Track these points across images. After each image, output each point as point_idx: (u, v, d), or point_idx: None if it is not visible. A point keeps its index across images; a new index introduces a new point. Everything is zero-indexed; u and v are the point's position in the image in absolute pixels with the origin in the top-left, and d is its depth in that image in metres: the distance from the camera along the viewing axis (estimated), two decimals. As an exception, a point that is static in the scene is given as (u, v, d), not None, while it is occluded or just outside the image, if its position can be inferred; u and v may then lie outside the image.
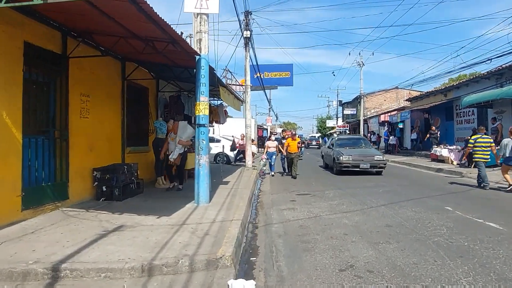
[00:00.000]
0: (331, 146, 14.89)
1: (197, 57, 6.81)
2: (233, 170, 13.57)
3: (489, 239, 4.84)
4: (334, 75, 35.46)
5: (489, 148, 9.49)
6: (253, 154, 16.80)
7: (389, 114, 27.37)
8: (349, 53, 38.01)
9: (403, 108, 27.15)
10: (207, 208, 6.46)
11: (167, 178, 9.41)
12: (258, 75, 24.14)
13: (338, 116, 49.93)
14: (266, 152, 13.54)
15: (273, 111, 41.47)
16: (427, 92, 23.49)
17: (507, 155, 8.88)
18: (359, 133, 39.79)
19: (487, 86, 17.67)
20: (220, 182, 9.77)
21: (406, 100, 26.92)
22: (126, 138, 8.63)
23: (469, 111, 19.73)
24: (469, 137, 12.83)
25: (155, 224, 5.27)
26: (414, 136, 22.90)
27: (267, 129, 44.04)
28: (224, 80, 15.02)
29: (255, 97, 57.59)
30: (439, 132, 19.38)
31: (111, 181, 6.97)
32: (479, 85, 18.54)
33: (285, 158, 13.10)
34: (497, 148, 9.58)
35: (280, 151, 13.29)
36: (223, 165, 15.28)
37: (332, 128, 51.91)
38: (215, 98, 13.75)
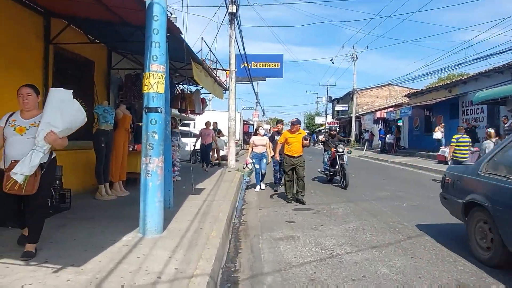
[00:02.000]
0: None
1: (148, 0, 4.29)
2: (211, 173, 11.05)
3: None
4: (332, 62, 33.36)
5: (468, 147, 9.74)
6: (217, 150, 13.30)
7: (385, 110, 25.31)
8: (342, 46, 35.76)
9: (400, 105, 25.15)
10: (156, 243, 3.95)
11: (117, 185, 6.84)
12: (245, 65, 21.61)
13: (328, 112, 47.88)
14: (251, 153, 8.65)
15: (260, 105, 39.05)
16: (429, 87, 21.49)
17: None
18: (350, 131, 37.86)
19: (501, 81, 15.65)
20: (190, 191, 7.25)
21: (405, 96, 24.90)
22: (53, 128, 6.02)
23: (478, 108, 17.74)
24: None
25: (39, 291, 2.74)
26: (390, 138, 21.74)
27: (253, 125, 41.65)
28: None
29: (241, 91, 55.09)
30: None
31: (7, 196, 4.38)
32: (491, 80, 16.53)
33: (280, 166, 8.08)
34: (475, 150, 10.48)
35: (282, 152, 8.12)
36: (198, 165, 12.70)
37: (321, 125, 49.88)
38: (190, 83, 11.20)
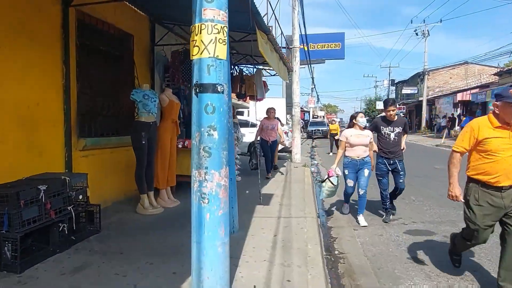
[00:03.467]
0: None
1: None
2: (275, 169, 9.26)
3: None
4: (416, 34, 28.69)
5: None
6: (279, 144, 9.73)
7: (469, 92, 21.65)
8: (411, 21, 31.28)
9: (487, 85, 21.37)
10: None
11: (165, 193, 5.30)
12: (303, 47, 19.50)
13: (390, 97, 43.82)
14: (339, 160, 5.01)
15: (316, 91, 36.49)
16: (532, 60, 17.67)
17: None
18: (417, 116, 34.25)
19: None
20: (256, 199, 5.51)
21: (495, 74, 21.05)
22: (80, 121, 4.58)
23: None
24: None
25: None
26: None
27: (308, 112, 39.41)
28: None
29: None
30: None
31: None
32: None
33: (383, 176, 4.93)
34: None
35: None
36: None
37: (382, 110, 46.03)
38: (248, 64, 9.41)
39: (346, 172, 4.96)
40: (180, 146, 5.64)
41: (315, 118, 39.42)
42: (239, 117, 14.70)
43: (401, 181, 4.93)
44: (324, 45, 24.40)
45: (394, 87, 43.81)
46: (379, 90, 54.79)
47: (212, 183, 2.41)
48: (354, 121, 5.01)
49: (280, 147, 12.47)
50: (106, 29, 5.11)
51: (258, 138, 8.32)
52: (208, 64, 2.41)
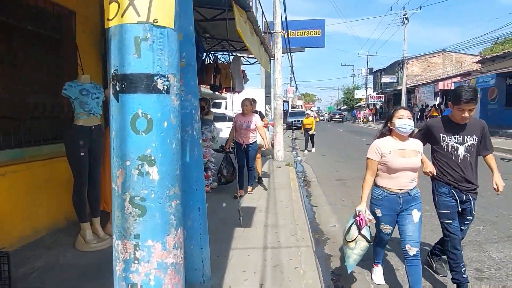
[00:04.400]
0: None
1: None
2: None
3: None
4: (407, 18, 26.28)
5: None
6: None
7: (451, 80, 21.21)
8: (391, 8, 30.39)
9: (469, 73, 20.99)
10: None
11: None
12: (283, 35, 18.49)
13: (368, 86, 43.56)
14: (367, 193, 2.79)
15: (295, 80, 35.54)
16: (517, 48, 17.28)
17: None
18: (396, 105, 33.98)
19: None
20: (235, 218, 4.41)
21: (477, 62, 20.64)
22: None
23: None
24: None
25: None
26: None
27: (287, 102, 38.49)
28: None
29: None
30: None
31: None
32: None
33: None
34: None
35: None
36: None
37: (361, 99, 45.80)
38: (224, 51, 8.22)
39: (379, 212, 2.80)
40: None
41: (294, 108, 38.66)
42: (215, 110, 13.42)
43: (464, 228, 3.01)
44: (304, 32, 23.36)
45: (372, 76, 43.53)
46: (357, 79, 54.64)
47: (148, 265, 1.29)
48: (389, 124, 2.75)
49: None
50: (33, 3, 3.81)
51: (232, 144, 6.06)
52: (137, 37, 1.28)
